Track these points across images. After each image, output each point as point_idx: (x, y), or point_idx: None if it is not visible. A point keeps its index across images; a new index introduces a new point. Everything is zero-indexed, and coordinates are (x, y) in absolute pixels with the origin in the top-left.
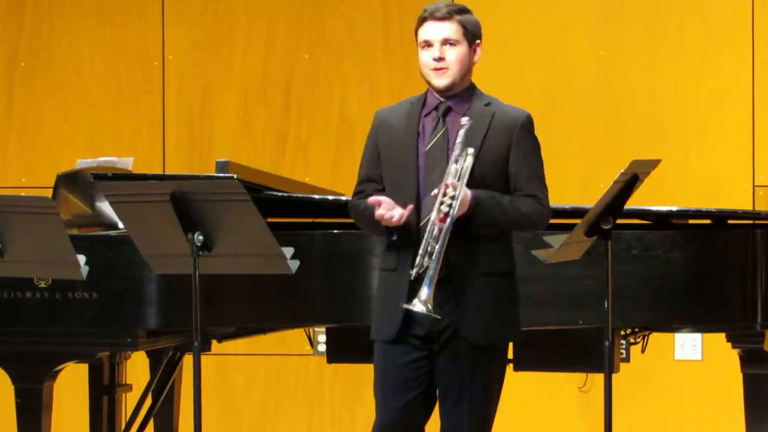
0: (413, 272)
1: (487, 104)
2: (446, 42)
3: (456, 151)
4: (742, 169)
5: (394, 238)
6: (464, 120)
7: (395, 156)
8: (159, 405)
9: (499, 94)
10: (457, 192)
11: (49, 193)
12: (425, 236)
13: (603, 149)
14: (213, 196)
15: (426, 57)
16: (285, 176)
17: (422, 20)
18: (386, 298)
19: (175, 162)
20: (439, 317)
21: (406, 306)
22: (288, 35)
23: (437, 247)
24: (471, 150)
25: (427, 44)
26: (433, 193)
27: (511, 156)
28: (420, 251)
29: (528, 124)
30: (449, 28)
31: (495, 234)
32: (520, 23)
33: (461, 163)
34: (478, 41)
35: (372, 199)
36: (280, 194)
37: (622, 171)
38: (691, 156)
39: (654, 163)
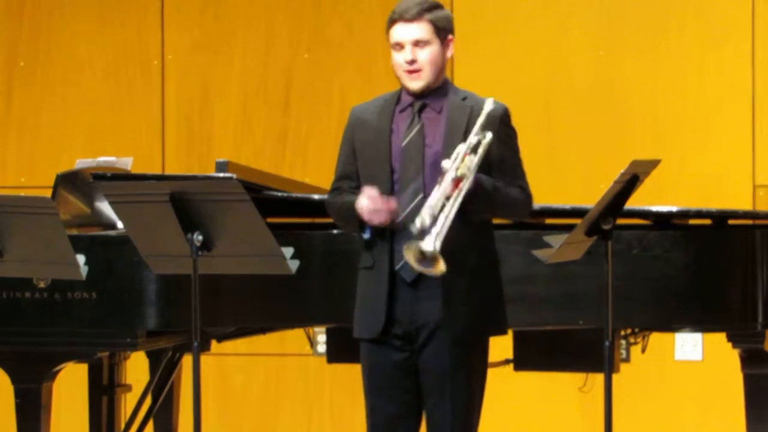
0: (416, 226)
1: (464, 99)
2: (417, 43)
3: (475, 132)
4: (742, 169)
5: (367, 236)
6: (485, 111)
7: (369, 152)
8: (158, 405)
9: (498, 94)
10: (475, 161)
11: (48, 193)
12: (436, 190)
13: (603, 149)
14: (213, 196)
15: (398, 58)
16: (285, 176)
17: (392, 21)
18: (367, 296)
19: (174, 162)
20: (442, 259)
21: (407, 248)
22: (288, 35)
23: (449, 206)
24: (489, 133)
25: (399, 46)
26: (443, 163)
27: (492, 148)
28: (427, 204)
29: (506, 116)
30: (419, 29)
31: (477, 226)
32: (519, 23)
33: (476, 140)
34: (450, 36)
35: (366, 191)
36: (280, 194)
37: (622, 171)
38: (691, 156)
39: (654, 163)
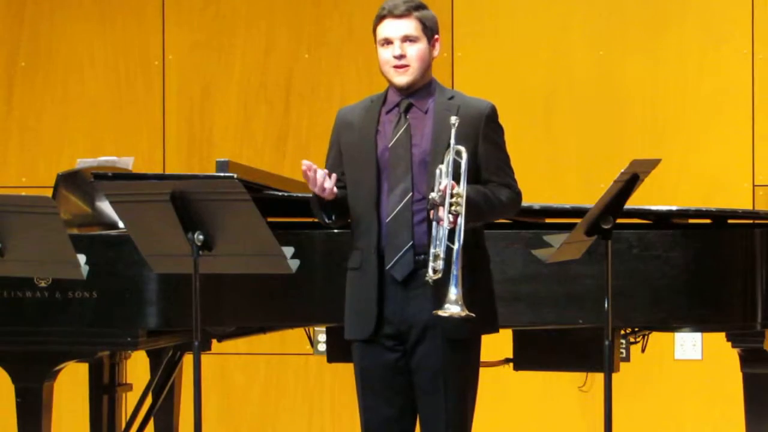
0: (430, 279)
1: (451, 98)
2: (406, 39)
3: (451, 152)
4: (742, 169)
5: (329, 220)
6: (453, 119)
7: (355, 154)
8: (159, 404)
9: (499, 94)
10: (462, 190)
11: (49, 193)
12: (434, 242)
13: (603, 149)
14: (213, 196)
15: (386, 55)
16: (285, 176)
17: (380, 18)
18: (356, 297)
19: (175, 162)
20: (474, 315)
21: (437, 312)
22: (288, 35)
23: (456, 247)
24: (462, 148)
25: (387, 42)
26: (431, 196)
27: (480, 147)
28: (432, 255)
29: (493, 114)
30: (408, 25)
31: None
32: (520, 23)
33: (450, 161)
34: (436, 36)
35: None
36: (280, 194)
37: (622, 171)
38: (691, 156)
39: (654, 163)
